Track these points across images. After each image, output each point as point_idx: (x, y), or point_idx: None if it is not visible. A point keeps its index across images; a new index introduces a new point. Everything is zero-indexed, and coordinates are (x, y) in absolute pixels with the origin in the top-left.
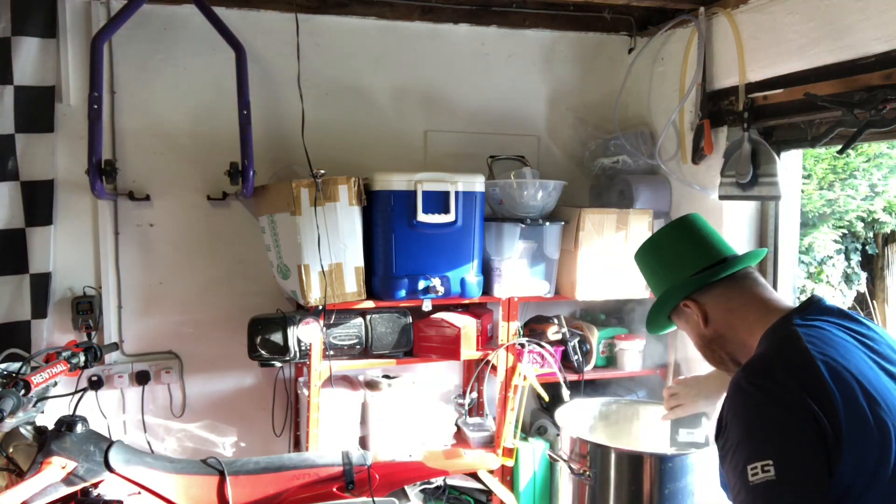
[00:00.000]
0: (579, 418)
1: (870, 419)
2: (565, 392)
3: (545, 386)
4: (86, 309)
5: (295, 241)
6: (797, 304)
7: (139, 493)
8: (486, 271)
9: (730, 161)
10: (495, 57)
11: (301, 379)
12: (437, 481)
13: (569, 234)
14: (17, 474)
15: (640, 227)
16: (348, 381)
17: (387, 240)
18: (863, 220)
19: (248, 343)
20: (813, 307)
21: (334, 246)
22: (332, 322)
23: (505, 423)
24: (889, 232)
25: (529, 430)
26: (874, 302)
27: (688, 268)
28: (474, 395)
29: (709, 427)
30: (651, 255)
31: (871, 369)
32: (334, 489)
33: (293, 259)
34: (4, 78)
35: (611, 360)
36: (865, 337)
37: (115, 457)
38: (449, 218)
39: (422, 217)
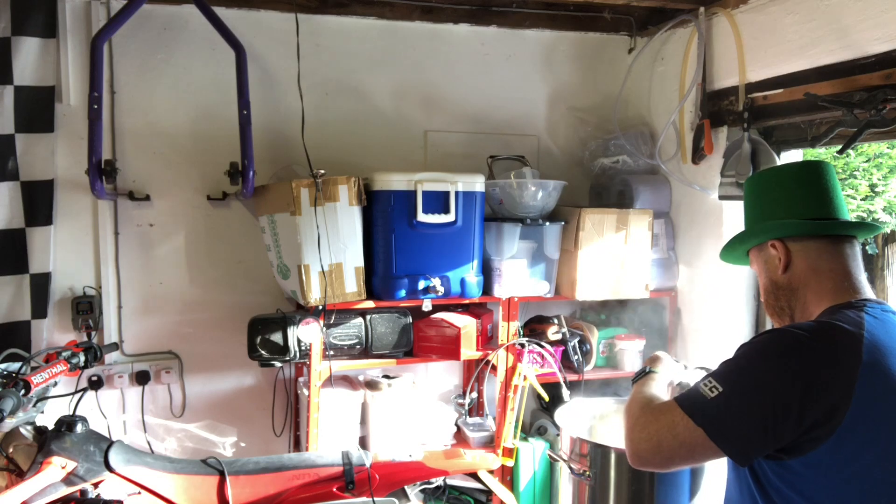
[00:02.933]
0: (579, 418)
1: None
2: (565, 392)
3: (545, 386)
4: (86, 309)
5: (295, 241)
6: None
7: (139, 493)
8: (486, 271)
9: (730, 161)
10: (495, 57)
11: (301, 379)
12: (437, 481)
13: (569, 234)
14: (17, 474)
15: (640, 227)
16: (348, 381)
17: (387, 240)
18: (863, 220)
19: (248, 343)
20: (886, 305)
21: (334, 246)
22: (332, 322)
23: (505, 423)
24: (889, 232)
25: (529, 430)
26: None
27: (797, 210)
28: (474, 395)
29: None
30: (766, 185)
31: None
32: (334, 489)
33: (293, 259)
34: (4, 78)
35: (611, 360)
36: None
37: (115, 457)
38: (449, 218)
39: (422, 217)
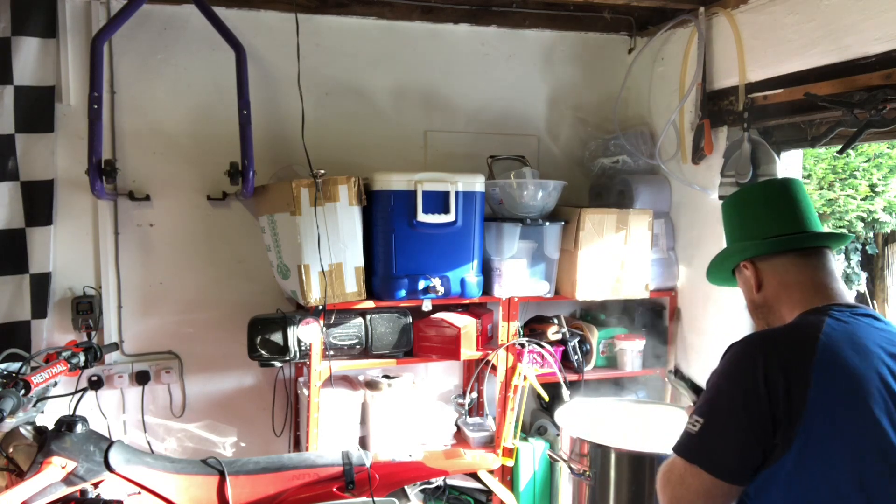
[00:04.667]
0: (579, 418)
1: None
2: (565, 392)
3: (545, 386)
4: (86, 309)
5: (295, 241)
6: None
7: (139, 493)
8: (486, 271)
9: (730, 161)
10: (495, 57)
11: (301, 379)
12: (437, 481)
13: (569, 234)
14: (17, 474)
15: (640, 227)
16: (348, 381)
17: (387, 240)
18: (863, 220)
19: (248, 343)
20: (863, 309)
21: (334, 246)
22: (332, 322)
23: (505, 423)
24: (889, 232)
25: (529, 430)
26: (874, 302)
27: (762, 229)
28: (474, 395)
29: None
30: (735, 208)
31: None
32: (334, 489)
33: (293, 259)
34: (4, 78)
35: (611, 360)
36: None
37: (115, 457)
38: (449, 218)
39: (422, 217)
